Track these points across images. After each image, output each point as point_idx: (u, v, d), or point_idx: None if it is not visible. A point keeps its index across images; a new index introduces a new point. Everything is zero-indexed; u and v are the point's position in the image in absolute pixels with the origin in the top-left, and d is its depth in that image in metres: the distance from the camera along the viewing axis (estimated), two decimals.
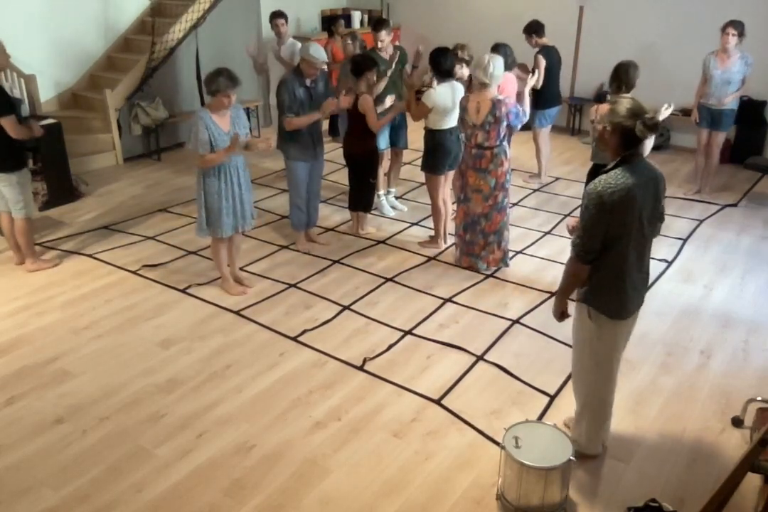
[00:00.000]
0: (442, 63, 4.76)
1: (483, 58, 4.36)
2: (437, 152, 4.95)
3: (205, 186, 4.17)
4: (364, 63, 4.94)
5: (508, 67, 5.60)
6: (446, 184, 5.15)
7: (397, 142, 5.83)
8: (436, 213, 5.24)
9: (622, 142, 2.60)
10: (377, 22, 5.77)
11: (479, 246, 4.83)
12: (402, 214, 5.96)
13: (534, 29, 6.59)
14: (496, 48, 5.79)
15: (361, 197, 5.38)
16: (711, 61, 5.94)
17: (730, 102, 5.96)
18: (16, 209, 4.67)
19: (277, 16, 6.74)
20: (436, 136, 4.94)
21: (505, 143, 4.60)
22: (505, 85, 5.65)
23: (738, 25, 5.74)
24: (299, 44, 6.43)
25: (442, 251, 5.24)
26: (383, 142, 5.63)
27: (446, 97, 4.78)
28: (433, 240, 5.36)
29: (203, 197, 4.20)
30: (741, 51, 5.84)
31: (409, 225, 5.70)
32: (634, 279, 2.76)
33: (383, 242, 5.39)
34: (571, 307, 2.94)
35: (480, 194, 4.68)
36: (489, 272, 4.88)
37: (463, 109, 4.56)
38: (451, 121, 4.90)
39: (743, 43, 5.83)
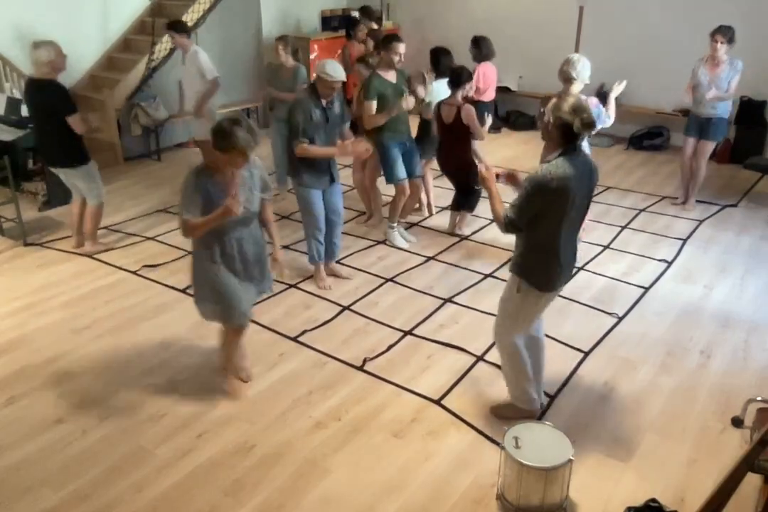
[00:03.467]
0: (441, 62, 5.27)
1: (573, 56, 4.44)
2: (427, 139, 5.36)
3: (202, 264, 3.24)
4: (462, 74, 4.91)
5: (486, 57, 6.13)
6: (426, 165, 5.64)
7: (412, 170, 5.20)
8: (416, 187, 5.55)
9: (563, 136, 2.81)
10: (391, 37, 4.89)
11: None
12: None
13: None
14: (476, 40, 6.09)
15: (467, 199, 5.38)
16: (700, 67, 5.70)
17: (712, 99, 5.60)
18: (91, 197, 5.02)
19: (166, 27, 5.77)
20: (428, 125, 5.34)
21: (585, 142, 4.48)
22: (489, 74, 6.17)
23: (727, 32, 5.49)
24: (202, 53, 5.67)
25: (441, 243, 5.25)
26: (401, 172, 5.10)
27: (440, 91, 5.17)
28: (418, 209, 5.89)
29: (208, 280, 3.25)
30: (730, 56, 5.62)
31: (409, 225, 5.70)
32: (567, 257, 3.00)
33: (383, 242, 5.39)
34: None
35: None
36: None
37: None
38: None
39: (733, 48, 5.60)
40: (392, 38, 4.84)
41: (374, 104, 4.80)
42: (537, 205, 2.81)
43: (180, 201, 3.04)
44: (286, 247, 5.27)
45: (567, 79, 4.43)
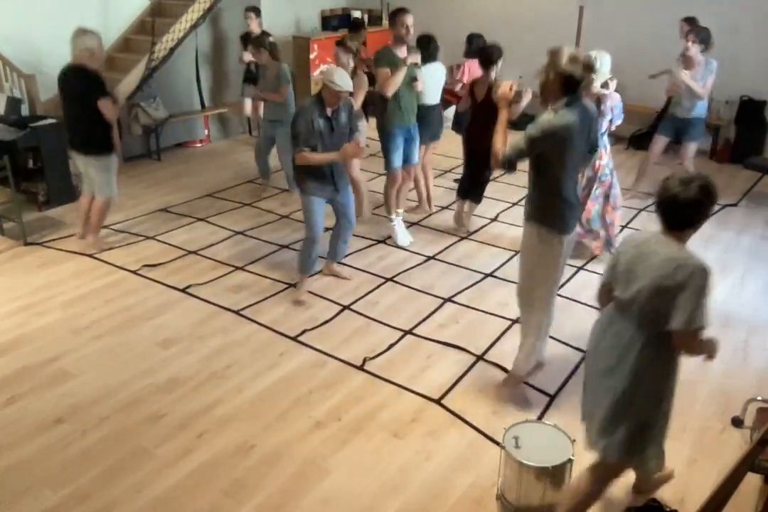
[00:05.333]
0: (428, 47, 5.41)
1: (590, 55, 4.42)
2: (420, 125, 5.38)
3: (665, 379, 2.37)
4: (493, 52, 4.95)
5: (474, 54, 6.12)
6: (427, 154, 5.75)
7: (409, 157, 5.24)
8: (415, 180, 5.78)
9: (565, 87, 2.99)
10: (395, 11, 4.94)
11: (582, 234, 4.88)
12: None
13: None
14: (470, 37, 6.34)
15: (475, 186, 5.39)
16: (677, 68, 5.62)
17: (683, 82, 5.55)
18: (101, 191, 4.98)
19: None
20: (420, 111, 5.35)
21: (605, 137, 4.63)
22: (474, 70, 6.20)
23: (699, 32, 5.50)
24: None
25: (443, 250, 5.24)
26: (398, 159, 5.14)
27: (430, 74, 5.29)
28: (417, 206, 5.99)
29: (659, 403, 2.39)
30: (705, 57, 5.56)
31: (409, 225, 5.70)
32: (571, 197, 3.22)
33: (383, 242, 5.38)
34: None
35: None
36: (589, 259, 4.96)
37: None
38: (434, 98, 5.50)
39: (711, 51, 5.58)
40: (396, 11, 4.88)
41: (387, 71, 4.80)
42: (538, 150, 3.03)
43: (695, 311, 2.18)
44: (286, 247, 5.28)
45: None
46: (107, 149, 4.85)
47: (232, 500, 2.89)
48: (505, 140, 3.11)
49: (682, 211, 2.24)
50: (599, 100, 4.42)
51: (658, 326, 2.26)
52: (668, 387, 2.38)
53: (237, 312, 4.35)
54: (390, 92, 4.87)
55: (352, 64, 5.27)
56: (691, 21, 6.57)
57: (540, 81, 3.06)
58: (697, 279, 2.19)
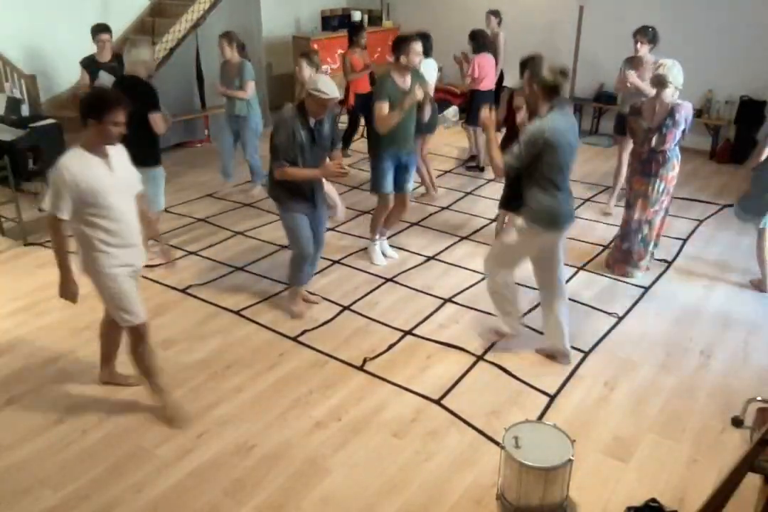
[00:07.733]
0: (424, 44, 5.26)
1: (667, 61, 4.39)
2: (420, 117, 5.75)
3: None
4: (528, 63, 4.88)
5: (482, 49, 6.48)
6: (425, 145, 6.08)
7: (403, 185, 4.84)
8: (419, 170, 5.96)
9: (548, 94, 3.32)
10: (405, 39, 4.56)
11: (638, 254, 4.72)
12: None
13: None
14: (473, 34, 6.46)
15: (516, 196, 5.23)
16: (627, 67, 5.59)
17: (632, 83, 5.50)
18: (152, 205, 4.73)
19: None
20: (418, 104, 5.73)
21: (677, 147, 4.51)
22: (483, 65, 6.47)
23: (647, 32, 5.50)
24: None
25: (443, 254, 5.24)
26: (387, 184, 4.74)
27: (424, 70, 5.29)
28: (427, 194, 6.29)
29: None
30: (655, 56, 5.48)
31: (409, 225, 5.70)
32: (565, 198, 3.51)
33: None
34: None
35: (646, 200, 4.56)
36: (641, 282, 4.75)
37: (637, 112, 4.49)
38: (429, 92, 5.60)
39: (658, 48, 5.60)
40: (408, 39, 4.52)
41: (386, 106, 4.43)
42: (532, 152, 3.31)
43: None
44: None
45: (661, 83, 4.30)
46: (154, 160, 4.71)
47: (232, 500, 2.90)
48: (500, 153, 3.46)
49: None
50: (673, 110, 4.30)
51: None
52: None
53: (237, 313, 4.35)
54: (383, 131, 4.51)
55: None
56: (495, 14, 6.95)
57: (525, 95, 3.43)
58: None
